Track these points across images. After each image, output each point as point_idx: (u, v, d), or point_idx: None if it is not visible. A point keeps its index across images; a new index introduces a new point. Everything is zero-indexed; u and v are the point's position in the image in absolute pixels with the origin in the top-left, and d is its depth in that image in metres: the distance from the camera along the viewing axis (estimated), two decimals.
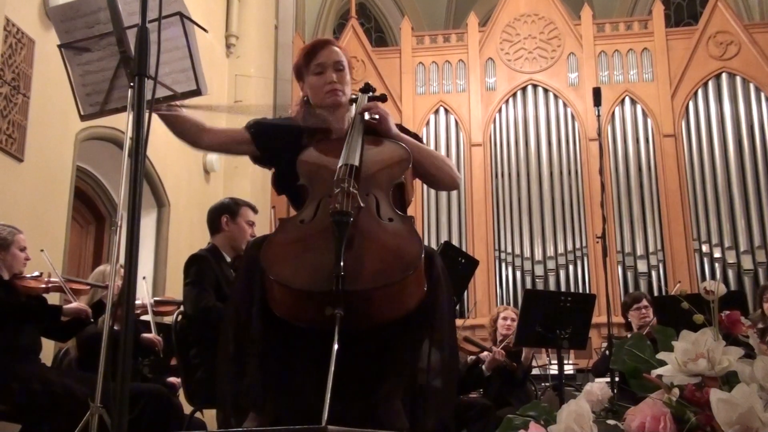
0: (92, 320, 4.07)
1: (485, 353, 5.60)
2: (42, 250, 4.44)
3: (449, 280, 2.40)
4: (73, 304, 3.99)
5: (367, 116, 2.54)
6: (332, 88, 2.57)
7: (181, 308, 4.23)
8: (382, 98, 2.80)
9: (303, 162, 2.46)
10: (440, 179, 2.65)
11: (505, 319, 5.89)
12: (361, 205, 2.25)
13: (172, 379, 4.94)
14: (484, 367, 5.51)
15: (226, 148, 2.76)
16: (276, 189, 2.67)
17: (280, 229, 2.32)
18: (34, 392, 3.63)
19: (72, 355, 4.65)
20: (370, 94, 2.74)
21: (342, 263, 2.04)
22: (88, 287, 4.38)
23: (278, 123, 2.73)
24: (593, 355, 7.92)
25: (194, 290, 3.81)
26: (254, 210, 4.16)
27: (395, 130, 2.57)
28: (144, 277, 4.79)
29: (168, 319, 5.20)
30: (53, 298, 4.54)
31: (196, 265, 3.87)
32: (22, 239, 4.07)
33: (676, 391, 1.42)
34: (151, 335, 4.63)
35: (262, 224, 5.53)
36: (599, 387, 1.60)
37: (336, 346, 1.97)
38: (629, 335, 5.40)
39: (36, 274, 4.14)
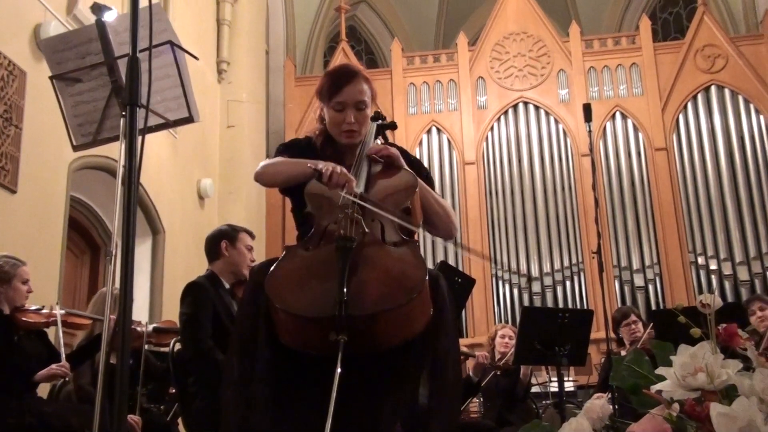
0: (66, 379, 3.99)
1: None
2: (57, 303, 4.37)
3: (453, 302, 2.40)
4: (45, 371, 3.86)
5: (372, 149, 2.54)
6: (349, 129, 2.54)
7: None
8: (392, 126, 2.79)
9: (310, 190, 2.46)
10: (437, 225, 2.62)
11: (503, 337, 5.88)
12: (366, 230, 2.26)
13: None
14: (471, 373, 5.49)
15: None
16: (292, 210, 2.65)
17: (286, 257, 2.32)
18: (30, 426, 3.60)
19: (70, 386, 4.61)
20: (380, 122, 2.73)
21: (345, 288, 2.05)
22: (90, 321, 4.31)
23: (302, 146, 2.68)
24: (593, 371, 7.89)
25: (191, 326, 3.79)
26: (251, 235, 4.17)
27: (403, 162, 2.55)
28: (146, 323, 4.73)
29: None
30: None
31: (191, 296, 3.85)
32: (25, 272, 4.04)
33: (676, 406, 1.42)
34: (130, 418, 4.24)
35: (258, 250, 5.51)
36: (600, 404, 1.60)
37: (339, 371, 1.97)
38: (623, 351, 5.40)
39: (38, 307, 4.11)
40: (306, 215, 2.46)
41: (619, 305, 10.44)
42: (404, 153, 2.67)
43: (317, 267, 2.23)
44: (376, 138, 2.67)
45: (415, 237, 2.43)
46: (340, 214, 2.29)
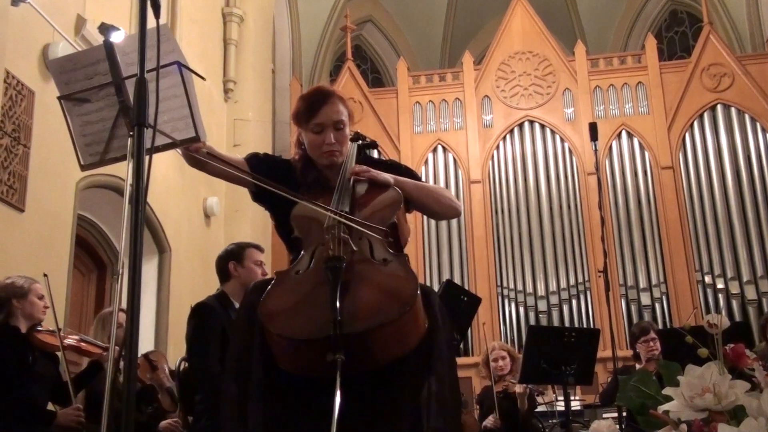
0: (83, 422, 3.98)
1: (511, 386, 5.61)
2: (61, 329, 4.33)
3: (447, 317, 2.40)
4: (63, 420, 3.86)
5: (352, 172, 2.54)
6: (330, 150, 2.54)
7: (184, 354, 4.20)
8: (373, 145, 2.81)
9: (295, 216, 2.47)
10: (441, 212, 2.71)
11: (495, 360, 5.79)
12: (354, 249, 2.27)
13: None
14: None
15: (227, 174, 2.62)
16: (278, 234, 2.67)
17: (277, 282, 2.33)
18: None
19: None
20: (360, 142, 2.74)
21: (338, 308, 2.05)
22: (101, 351, 4.22)
23: (279, 162, 2.73)
24: (599, 390, 7.85)
25: (197, 349, 3.78)
26: (260, 249, 4.14)
27: (387, 178, 2.55)
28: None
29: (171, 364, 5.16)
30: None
31: (198, 318, 3.83)
32: (39, 288, 4.04)
33: (684, 426, 1.41)
34: (167, 422, 4.48)
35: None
36: (606, 424, 1.59)
37: (338, 392, 1.96)
38: (637, 366, 5.34)
39: (53, 329, 4.09)
40: (294, 240, 2.47)
41: (626, 324, 10.41)
42: (380, 162, 2.73)
43: (309, 289, 2.24)
44: (357, 158, 2.67)
45: (406, 252, 2.44)
46: (327, 235, 2.31)
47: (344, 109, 2.58)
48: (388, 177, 2.55)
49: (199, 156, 2.42)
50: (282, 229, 2.58)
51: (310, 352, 2.11)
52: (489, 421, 5.56)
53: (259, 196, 2.62)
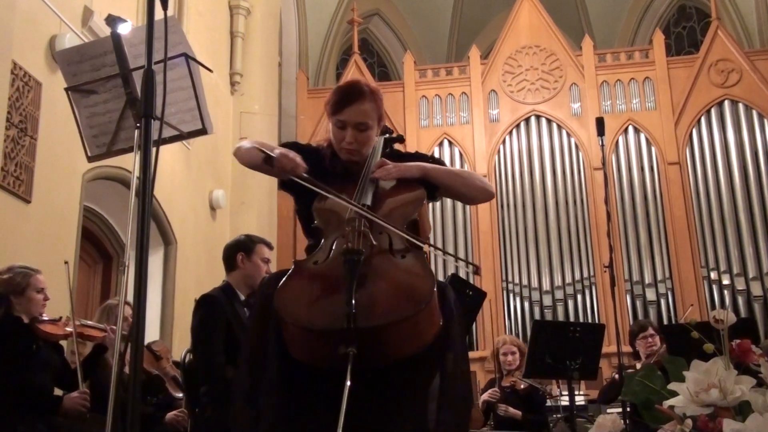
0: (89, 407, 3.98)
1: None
2: (69, 316, 4.32)
3: (462, 314, 2.40)
4: (70, 403, 3.86)
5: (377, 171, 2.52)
6: (347, 148, 2.54)
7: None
8: (400, 139, 2.79)
9: (317, 207, 2.47)
10: (473, 196, 2.72)
11: (505, 354, 5.81)
12: (373, 243, 2.27)
13: None
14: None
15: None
16: (299, 220, 2.67)
17: (295, 271, 2.33)
18: None
19: None
20: (387, 136, 2.73)
21: (354, 301, 2.05)
22: (103, 333, 4.23)
23: (310, 152, 2.68)
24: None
25: (202, 341, 3.79)
26: (270, 247, 4.15)
27: (413, 172, 2.54)
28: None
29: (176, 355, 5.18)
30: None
31: (203, 310, 3.84)
32: (39, 280, 3.99)
33: (689, 422, 1.41)
34: (173, 414, 4.54)
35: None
36: (611, 419, 1.60)
37: (348, 384, 1.96)
38: (638, 365, 5.35)
39: (55, 318, 4.09)
40: (314, 230, 2.47)
41: (631, 319, 10.40)
42: (406, 155, 2.70)
43: (326, 280, 2.24)
44: (383, 151, 2.67)
45: (426, 248, 2.43)
46: (347, 227, 2.30)
47: (373, 109, 2.55)
48: (413, 165, 2.54)
49: (299, 180, 2.39)
50: (303, 216, 2.58)
51: (323, 343, 2.11)
52: (488, 394, 5.61)
53: (286, 185, 2.60)
